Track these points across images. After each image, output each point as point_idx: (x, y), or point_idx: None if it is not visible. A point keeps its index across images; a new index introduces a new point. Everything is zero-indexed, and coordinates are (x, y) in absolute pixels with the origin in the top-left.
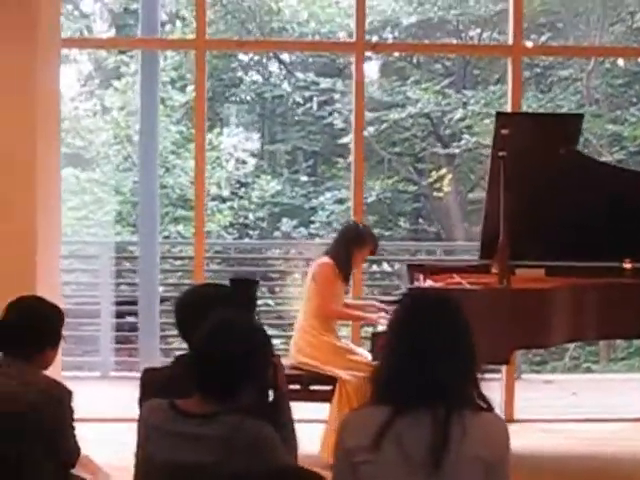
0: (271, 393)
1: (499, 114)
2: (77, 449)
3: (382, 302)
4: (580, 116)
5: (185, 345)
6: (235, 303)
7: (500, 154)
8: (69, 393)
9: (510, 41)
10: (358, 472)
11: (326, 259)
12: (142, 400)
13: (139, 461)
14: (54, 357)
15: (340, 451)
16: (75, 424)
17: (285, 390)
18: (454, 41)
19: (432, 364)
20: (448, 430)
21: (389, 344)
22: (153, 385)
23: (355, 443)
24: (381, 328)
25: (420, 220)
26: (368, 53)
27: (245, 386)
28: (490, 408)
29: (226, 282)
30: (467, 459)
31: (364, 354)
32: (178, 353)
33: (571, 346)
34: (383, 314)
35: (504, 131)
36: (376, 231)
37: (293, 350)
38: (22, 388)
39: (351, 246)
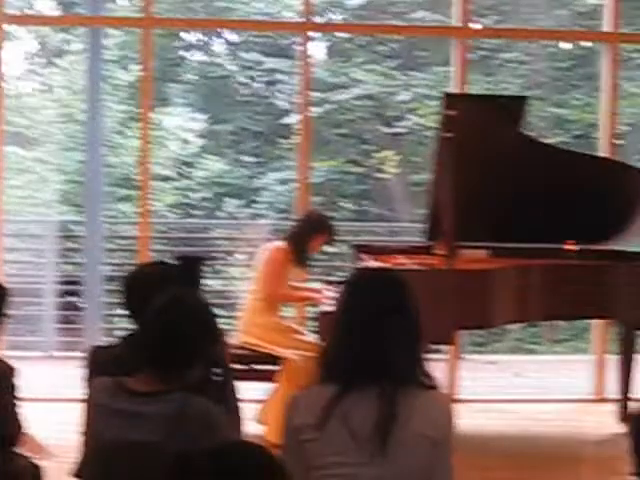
0: (217, 371)
1: (446, 95)
2: (19, 426)
3: (328, 282)
4: (525, 98)
5: (130, 325)
6: (182, 281)
7: (447, 135)
8: (10, 369)
9: (455, 22)
10: (305, 450)
11: (280, 243)
12: (89, 379)
13: (87, 439)
14: None
15: (288, 429)
16: (18, 402)
17: (229, 367)
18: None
19: (378, 341)
20: (394, 407)
21: (336, 322)
22: (101, 364)
23: (302, 421)
24: (327, 308)
25: (364, 202)
26: (314, 34)
27: (192, 364)
28: (435, 386)
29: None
30: (413, 436)
31: (309, 334)
32: (125, 332)
33: (514, 327)
34: (329, 294)
35: (451, 112)
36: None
37: (240, 328)
38: None
39: (307, 233)
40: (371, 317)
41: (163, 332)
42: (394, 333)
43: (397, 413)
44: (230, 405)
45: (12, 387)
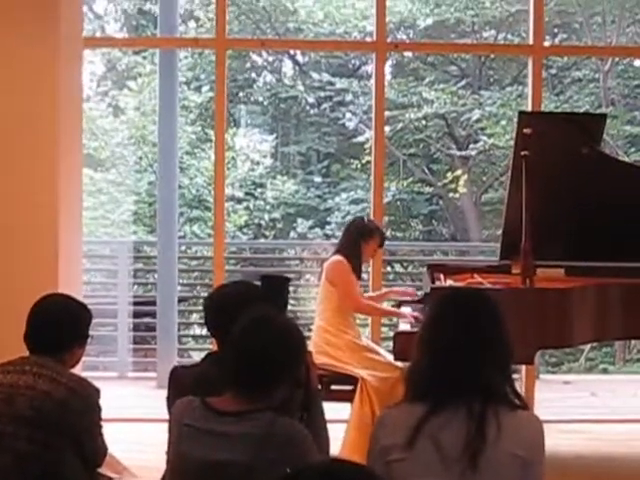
0: (302, 392)
1: (521, 113)
2: (104, 448)
3: (404, 302)
4: (603, 116)
5: (203, 345)
6: (265, 300)
7: (522, 153)
8: (97, 391)
9: (531, 41)
10: (392, 470)
11: (337, 257)
12: (171, 398)
13: (172, 459)
14: (81, 355)
15: (374, 449)
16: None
17: (316, 387)
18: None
19: (468, 360)
20: (483, 427)
21: (424, 340)
22: (183, 383)
23: (390, 441)
24: (402, 327)
25: (434, 221)
26: (387, 53)
27: (279, 384)
28: (525, 406)
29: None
30: (503, 456)
31: (385, 354)
32: (203, 352)
33: (587, 347)
34: (415, 314)
35: (526, 130)
36: (390, 233)
37: (313, 351)
38: (51, 385)
39: (358, 240)
40: (462, 335)
41: (251, 352)
42: (483, 351)
43: (487, 432)
44: (317, 426)
45: (99, 409)
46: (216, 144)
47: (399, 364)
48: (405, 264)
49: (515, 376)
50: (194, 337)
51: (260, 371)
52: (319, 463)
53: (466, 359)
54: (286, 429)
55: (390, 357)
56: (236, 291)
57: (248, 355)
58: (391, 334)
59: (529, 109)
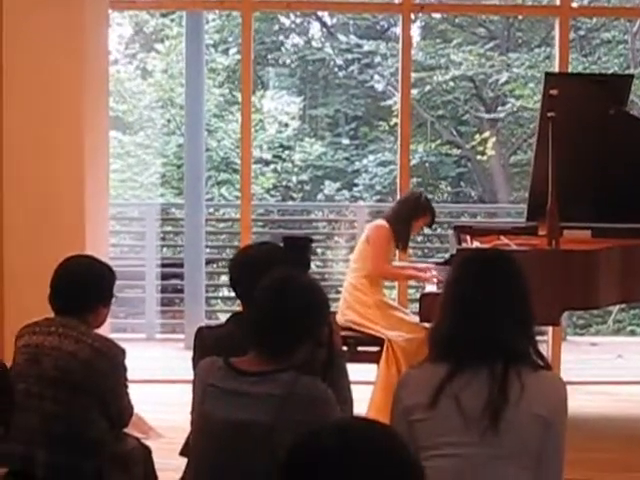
0: (325, 352)
1: (548, 74)
2: (130, 408)
3: (430, 263)
4: (630, 77)
5: (232, 306)
6: (289, 262)
7: (549, 115)
8: (122, 352)
9: (558, 1)
10: (415, 430)
11: (383, 222)
12: (196, 359)
13: (196, 419)
14: (106, 316)
15: (397, 409)
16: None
17: (340, 350)
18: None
19: (490, 321)
20: (505, 387)
21: (446, 302)
22: (208, 344)
23: (413, 401)
24: (429, 289)
25: (462, 183)
26: (412, 15)
27: (301, 344)
28: (548, 366)
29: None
30: (525, 416)
31: (412, 316)
32: (229, 313)
33: (615, 309)
34: (434, 273)
35: (553, 92)
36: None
37: (342, 307)
38: (76, 346)
39: (411, 215)
40: (482, 295)
41: (273, 312)
42: (506, 312)
43: (508, 393)
44: (340, 386)
45: (124, 369)
46: (243, 106)
47: (425, 325)
48: (433, 226)
49: (542, 337)
50: (222, 299)
51: (282, 331)
52: (338, 421)
53: (487, 319)
54: (308, 389)
55: (416, 319)
56: (260, 252)
57: (270, 315)
58: (418, 296)
59: (556, 71)
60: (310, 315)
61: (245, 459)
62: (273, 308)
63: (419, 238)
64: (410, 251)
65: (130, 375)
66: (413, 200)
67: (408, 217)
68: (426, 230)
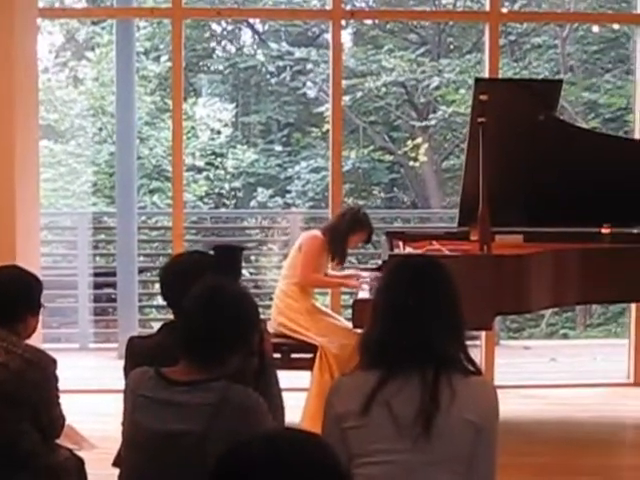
0: (256, 360)
1: (478, 80)
2: (62, 418)
3: (362, 269)
4: (559, 82)
5: (166, 315)
6: (219, 270)
7: (479, 120)
8: (54, 362)
9: (487, 7)
10: (347, 437)
11: (318, 233)
12: (127, 369)
13: (126, 429)
14: (36, 325)
15: (329, 417)
16: (60, 394)
17: (271, 357)
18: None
19: (420, 326)
20: (437, 393)
21: (377, 308)
22: (139, 353)
23: (345, 408)
24: (362, 295)
25: (395, 189)
26: (343, 21)
27: (232, 353)
28: (479, 371)
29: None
30: (456, 422)
31: (344, 321)
32: (161, 322)
33: (548, 312)
34: (364, 279)
35: (483, 97)
36: (351, 201)
37: (274, 313)
38: (7, 357)
39: (347, 229)
40: (413, 302)
41: (204, 321)
42: (436, 317)
43: (439, 399)
44: (272, 394)
45: (56, 379)
46: (174, 114)
47: (358, 331)
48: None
49: (474, 342)
50: (156, 307)
51: (212, 340)
52: (268, 432)
53: (418, 325)
54: (240, 398)
55: (349, 325)
56: (190, 261)
57: (200, 324)
58: (351, 302)
59: (486, 76)
60: (240, 324)
61: (176, 470)
62: (203, 317)
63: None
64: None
65: (63, 385)
66: (350, 215)
67: (344, 232)
68: None
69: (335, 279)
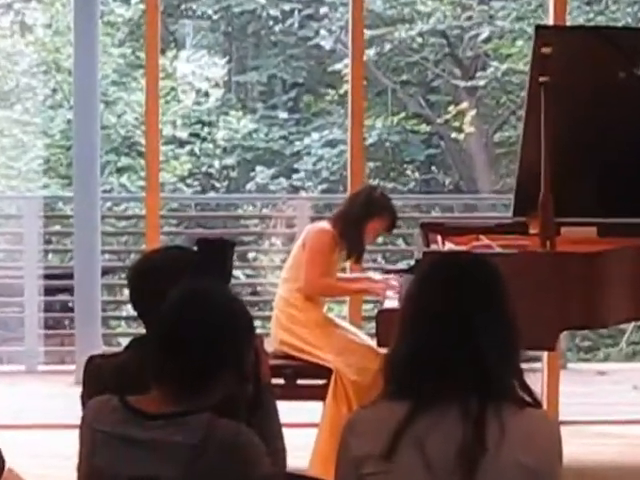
0: (250, 387)
1: (539, 28)
2: (1, 461)
3: (388, 272)
4: None
5: (137, 329)
6: (204, 271)
7: (541, 79)
8: None
9: None
10: None
11: (326, 226)
12: (86, 397)
13: (83, 476)
14: None
15: (344, 460)
16: None
17: (269, 383)
18: None
19: (459, 344)
20: (482, 429)
21: (406, 319)
22: (100, 377)
23: (364, 450)
24: (389, 304)
25: (433, 168)
26: None
27: (220, 377)
28: (537, 403)
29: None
30: (507, 467)
31: (365, 338)
32: (130, 337)
33: (629, 328)
34: (395, 284)
35: (546, 50)
36: (375, 183)
37: (274, 328)
38: None
39: (362, 215)
40: (452, 314)
41: (182, 336)
42: (482, 332)
43: (486, 437)
44: (269, 431)
45: None
46: (148, 71)
47: (383, 350)
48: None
49: (534, 365)
50: (125, 319)
51: (193, 362)
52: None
53: (457, 343)
54: (228, 435)
55: (372, 342)
56: (166, 259)
57: (177, 340)
58: (375, 313)
59: (550, 23)
60: (229, 341)
61: None
62: (181, 331)
63: (378, 239)
64: (365, 255)
65: (3, 419)
66: (365, 196)
67: (359, 218)
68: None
69: (353, 284)
